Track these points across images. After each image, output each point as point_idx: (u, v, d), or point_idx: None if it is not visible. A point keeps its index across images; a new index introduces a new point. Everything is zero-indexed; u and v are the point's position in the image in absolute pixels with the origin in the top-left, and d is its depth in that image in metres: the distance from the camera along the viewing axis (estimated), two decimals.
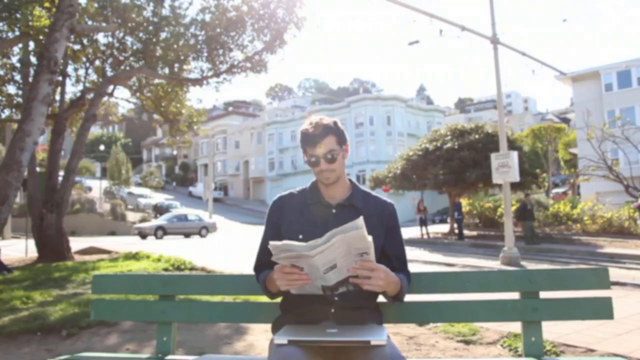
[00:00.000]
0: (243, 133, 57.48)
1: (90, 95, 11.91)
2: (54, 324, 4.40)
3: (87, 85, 13.14)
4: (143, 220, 31.91)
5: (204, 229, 25.67)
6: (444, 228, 24.62)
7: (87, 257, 10.99)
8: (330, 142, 1.86)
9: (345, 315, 1.77)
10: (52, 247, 10.26)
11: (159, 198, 42.85)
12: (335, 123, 1.91)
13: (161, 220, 25.79)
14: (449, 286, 2.11)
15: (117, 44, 12.77)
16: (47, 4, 9.93)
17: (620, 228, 17.93)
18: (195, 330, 4.28)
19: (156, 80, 13.47)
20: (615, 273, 9.66)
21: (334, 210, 1.91)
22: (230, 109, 76.56)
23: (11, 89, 12.43)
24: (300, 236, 1.87)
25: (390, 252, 1.96)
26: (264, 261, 1.95)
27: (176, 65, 12.48)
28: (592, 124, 19.34)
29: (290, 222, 1.92)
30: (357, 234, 1.56)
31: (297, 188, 2.04)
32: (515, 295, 2.09)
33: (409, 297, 2.01)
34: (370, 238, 1.59)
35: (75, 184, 19.96)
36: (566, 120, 56.83)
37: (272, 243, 1.61)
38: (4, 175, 6.79)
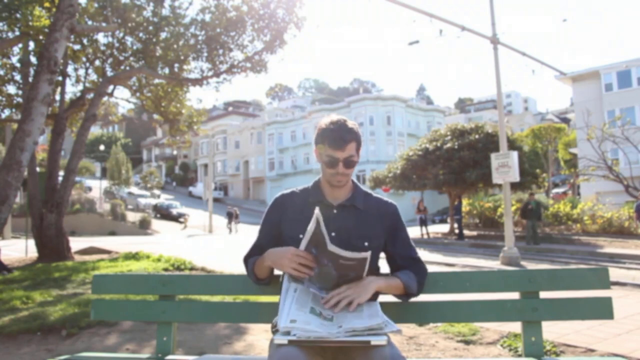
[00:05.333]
0: (243, 133, 57.48)
1: (90, 95, 11.91)
2: (54, 324, 4.40)
3: (87, 85, 13.14)
4: (143, 220, 31.92)
5: None
6: (444, 228, 24.63)
7: (87, 257, 10.98)
8: (352, 148, 1.85)
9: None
10: (52, 247, 10.25)
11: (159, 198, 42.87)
12: (357, 128, 1.89)
13: None
14: (449, 286, 2.11)
15: (117, 44, 12.76)
16: (47, 4, 9.92)
17: (620, 228, 17.93)
18: (195, 330, 4.28)
19: (156, 80, 13.46)
20: (615, 273, 9.66)
21: (335, 211, 1.92)
22: (230, 109, 76.59)
23: (11, 89, 12.43)
24: (301, 235, 1.87)
25: (395, 252, 1.97)
26: (257, 255, 1.99)
27: (176, 65, 12.48)
28: (592, 124, 19.35)
29: (291, 220, 1.93)
30: (359, 263, 1.68)
31: (299, 187, 2.04)
32: (515, 295, 2.09)
33: None
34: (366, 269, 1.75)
35: (75, 184, 19.96)
36: (566, 120, 56.82)
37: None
38: (4, 175, 6.79)
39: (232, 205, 37.18)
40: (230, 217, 29.75)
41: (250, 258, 2.01)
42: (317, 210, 1.65)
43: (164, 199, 43.10)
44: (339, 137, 1.82)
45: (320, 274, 1.71)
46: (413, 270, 1.94)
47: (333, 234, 1.88)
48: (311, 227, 1.66)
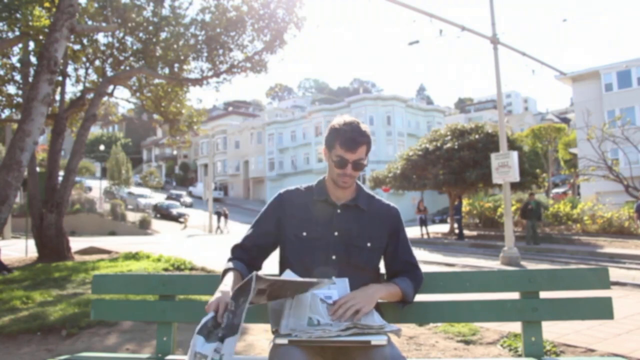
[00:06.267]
0: (243, 133, 57.48)
1: (90, 95, 11.90)
2: (54, 324, 4.40)
3: (87, 85, 13.14)
4: (143, 220, 31.92)
5: None
6: (444, 228, 24.63)
7: (87, 257, 10.98)
8: (363, 151, 1.85)
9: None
10: (52, 247, 10.25)
11: (159, 198, 42.88)
12: (369, 131, 1.89)
13: None
14: (449, 286, 2.11)
15: (117, 44, 12.76)
16: (47, 4, 9.92)
17: (620, 228, 17.93)
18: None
19: (156, 80, 13.46)
20: (615, 273, 9.66)
21: (338, 210, 1.93)
22: (230, 109, 76.58)
23: (11, 89, 12.42)
24: (304, 233, 1.88)
25: (395, 255, 1.97)
26: (246, 246, 1.94)
27: (176, 65, 12.48)
28: (592, 124, 19.34)
29: (293, 217, 1.93)
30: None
31: (303, 185, 2.04)
32: (515, 295, 2.09)
33: None
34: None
35: (75, 184, 19.96)
36: (566, 120, 56.81)
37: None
38: (4, 175, 6.79)
39: (232, 206, 37.43)
40: (219, 216, 29.99)
41: (233, 260, 1.89)
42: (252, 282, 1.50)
43: (164, 198, 43.12)
44: (351, 139, 1.82)
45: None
46: (410, 276, 1.94)
47: (336, 233, 1.88)
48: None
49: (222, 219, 30.24)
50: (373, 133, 45.77)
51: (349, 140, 1.82)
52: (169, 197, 45.83)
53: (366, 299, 1.71)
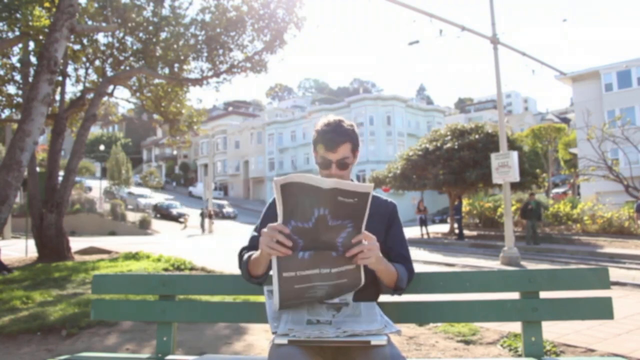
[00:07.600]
0: (243, 133, 57.50)
1: (90, 95, 11.91)
2: (54, 324, 4.40)
3: (87, 85, 13.14)
4: (143, 220, 31.91)
5: None
6: (444, 228, 24.63)
7: (87, 257, 10.98)
8: (346, 149, 1.84)
9: None
10: (52, 247, 10.25)
11: (159, 198, 42.89)
12: (353, 129, 1.87)
13: None
14: (449, 286, 2.10)
15: (117, 44, 12.76)
16: (47, 4, 9.93)
17: (620, 228, 17.93)
18: (195, 330, 4.28)
19: (156, 80, 13.46)
20: (615, 273, 9.66)
21: None
22: (230, 109, 76.63)
23: (11, 89, 12.43)
24: None
25: (387, 247, 1.96)
26: (253, 247, 1.93)
27: (176, 65, 12.48)
28: (592, 124, 19.34)
29: None
30: (360, 200, 1.58)
31: None
32: (515, 295, 2.09)
33: (409, 297, 2.01)
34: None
35: (75, 184, 19.97)
36: (566, 120, 56.81)
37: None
38: (4, 175, 6.80)
39: (232, 206, 37.33)
40: (203, 217, 29.74)
41: (245, 251, 1.92)
42: (274, 179, 1.57)
43: (164, 198, 43.12)
44: (331, 139, 1.82)
45: (312, 242, 1.58)
46: (404, 266, 1.93)
47: None
48: (277, 198, 1.58)
49: (207, 219, 29.78)
50: (373, 133, 45.83)
51: (329, 140, 1.82)
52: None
53: (378, 258, 1.68)
